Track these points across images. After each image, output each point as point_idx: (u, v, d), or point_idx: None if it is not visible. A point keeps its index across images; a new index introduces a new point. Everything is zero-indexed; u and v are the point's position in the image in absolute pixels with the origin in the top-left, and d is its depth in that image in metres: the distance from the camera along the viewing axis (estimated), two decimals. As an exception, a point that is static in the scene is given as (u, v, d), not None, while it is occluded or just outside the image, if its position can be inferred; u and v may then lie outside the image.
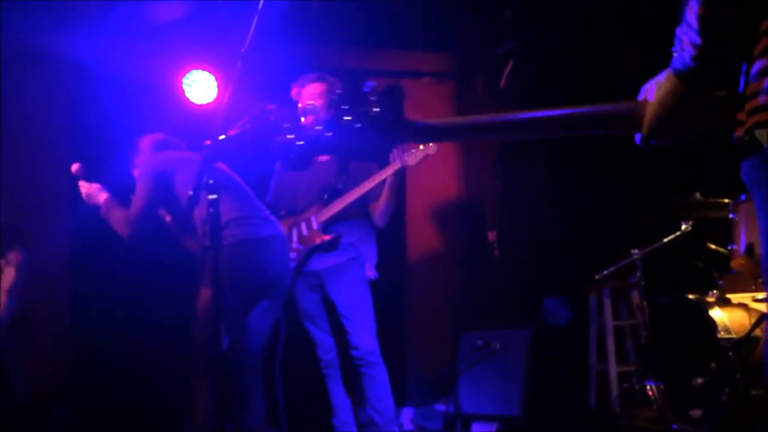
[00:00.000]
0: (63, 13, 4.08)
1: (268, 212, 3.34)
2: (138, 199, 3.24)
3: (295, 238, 3.91)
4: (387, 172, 3.80)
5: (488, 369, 4.44)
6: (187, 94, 4.58)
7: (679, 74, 1.55)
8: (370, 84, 2.00)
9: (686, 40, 1.50)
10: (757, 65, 1.46)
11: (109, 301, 4.57)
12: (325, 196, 3.88)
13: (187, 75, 4.54)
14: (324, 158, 4.00)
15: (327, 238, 3.84)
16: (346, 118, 1.69)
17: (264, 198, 4.11)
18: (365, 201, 3.92)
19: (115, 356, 4.50)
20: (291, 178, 4.03)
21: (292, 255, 3.86)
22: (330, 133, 1.68)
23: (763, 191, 1.48)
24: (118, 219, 3.27)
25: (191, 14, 4.11)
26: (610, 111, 1.75)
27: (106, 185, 3.36)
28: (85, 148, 4.55)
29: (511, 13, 4.86)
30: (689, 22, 1.47)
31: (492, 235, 5.19)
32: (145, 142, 3.46)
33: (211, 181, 2.21)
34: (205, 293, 3.08)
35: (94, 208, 3.35)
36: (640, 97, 1.67)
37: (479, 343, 4.48)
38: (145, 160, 3.40)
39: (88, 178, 3.38)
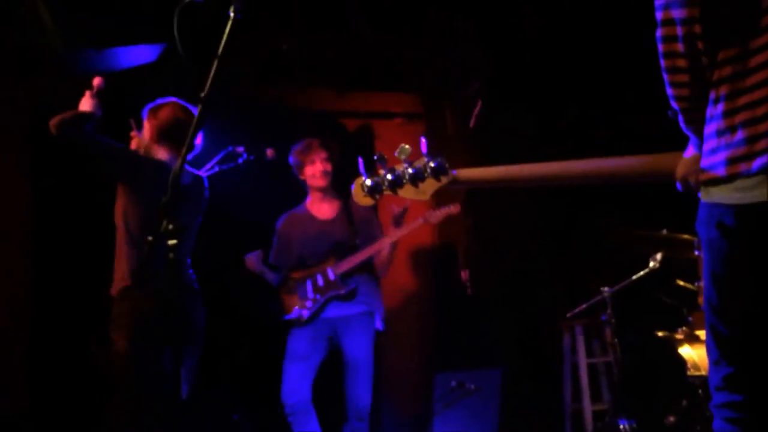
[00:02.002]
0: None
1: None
2: (104, 141, 3.09)
3: (309, 288, 4.06)
4: (411, 227, 4.08)
5: (463, 410, 4.41)
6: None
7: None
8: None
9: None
10: (707, 126, 1.50)
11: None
12: (342, 252, 4.07)
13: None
14: (328, 216, 4.19)
15: (345, 290, 4.03)
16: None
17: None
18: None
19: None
20: (297, 237, 4.17)
21: (308, 304, 4.04)
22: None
23: (704, 248, 1.53)
24: (71, 114, 3.03)
25: (155, 58, 4.12)
26: (645, 164, 1.79)
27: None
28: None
29: (479, 53, 4.92)
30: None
31: (465, 274, 5.19)
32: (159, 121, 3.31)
33: (170, 227, 2.15)
34: (120, 340, 3.01)
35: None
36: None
37: (453, 383, 4.46)
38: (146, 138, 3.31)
39: (99, 96, 3.15)
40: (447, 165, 1.90)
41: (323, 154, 4.12)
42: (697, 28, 1.44)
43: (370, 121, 5.40)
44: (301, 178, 4.17)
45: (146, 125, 3.35)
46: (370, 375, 4.02)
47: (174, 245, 2.13)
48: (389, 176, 1.93)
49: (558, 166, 1.88)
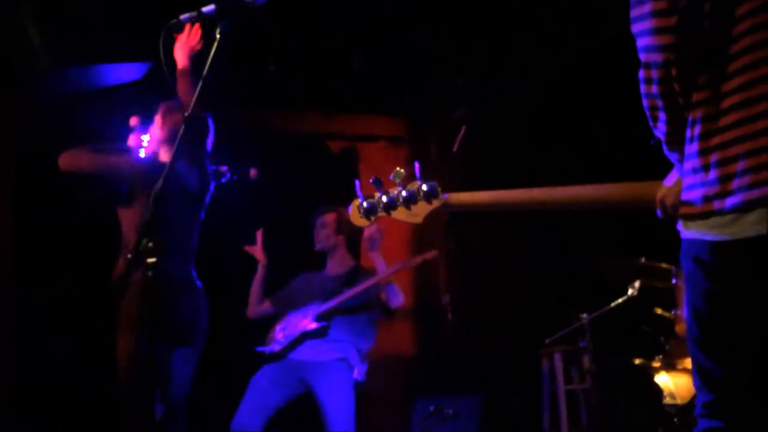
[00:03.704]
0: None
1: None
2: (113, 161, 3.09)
3: (287, 323, 4.15)
4: (391, 271, 4.17)
5: (441, 435, 4.38)
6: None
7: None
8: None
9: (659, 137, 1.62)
10: (685, 162, 1.55)
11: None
12: (327, 296, 4.16)
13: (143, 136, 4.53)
14: (336, 273, 4.30)
15: (314, 325, 4.07)
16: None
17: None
18: (372, 299, 4.19)
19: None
20: (303, 290, 4.29)
21: (280, 337, 4.11)
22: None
23: (685, 281, 1.57)
24: (86, 153, 3.11)
25: (143, 77, 4.13)
26: (626, 191, 1.85)
27: None
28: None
29: (463, 80, 4.99)
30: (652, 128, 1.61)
31: (445, 299, 5.20)
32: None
33: (150, 245, 2.09)
34: (125, 342, 2.92)
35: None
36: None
37: (431, 408, 4.43)
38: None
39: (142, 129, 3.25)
40: (439, 189, 1.97)
41: (324, 219, 4.32)
42: (673, 71, 1.51)
43: (355, 143, 5.44)
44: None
45: (159, 121, 3.28)
46: (348, 426, 3.93)
47: (153, 263, 2.14)
48: (384, 198, 1.99)
49: (541, 191, 1.95)
